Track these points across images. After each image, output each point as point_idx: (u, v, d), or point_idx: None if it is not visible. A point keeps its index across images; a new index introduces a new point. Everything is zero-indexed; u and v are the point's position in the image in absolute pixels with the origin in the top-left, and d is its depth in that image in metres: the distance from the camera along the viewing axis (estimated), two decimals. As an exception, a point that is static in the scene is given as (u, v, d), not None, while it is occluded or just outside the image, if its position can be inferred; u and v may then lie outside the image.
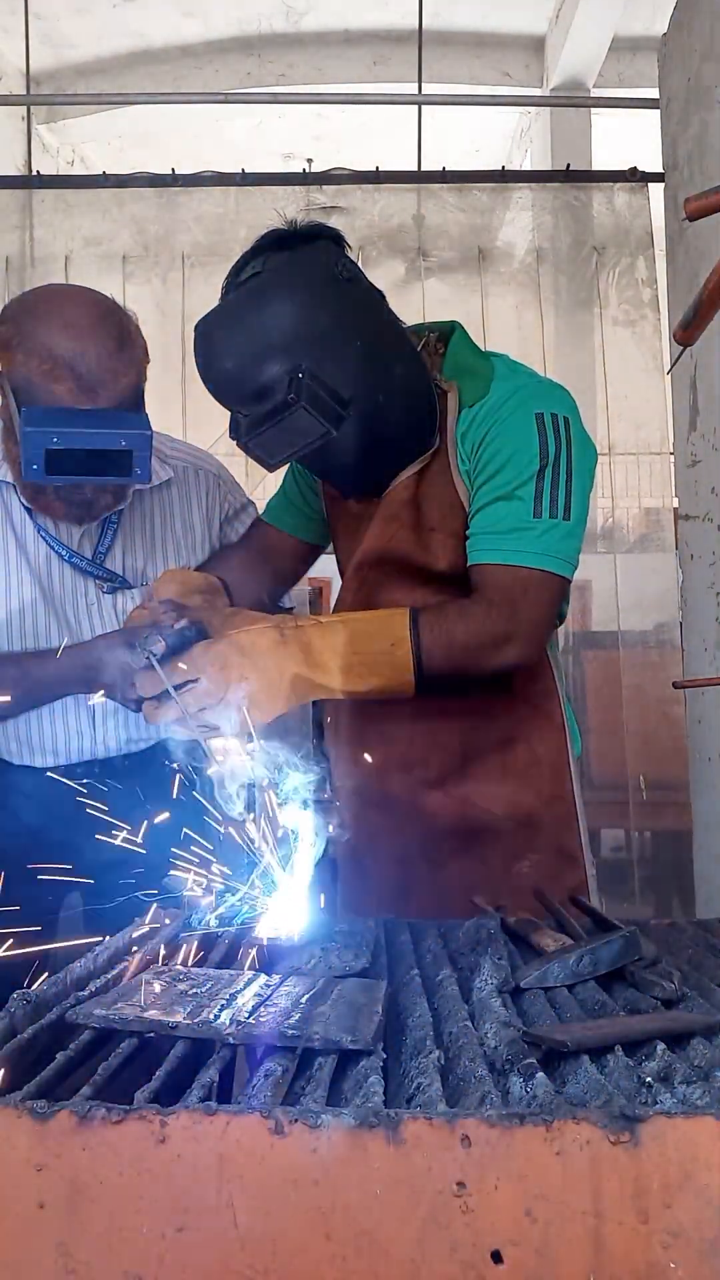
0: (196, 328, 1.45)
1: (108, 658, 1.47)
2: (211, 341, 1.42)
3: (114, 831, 1.60)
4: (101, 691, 1.54)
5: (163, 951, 1.11)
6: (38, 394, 1.45)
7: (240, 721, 1.38)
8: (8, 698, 1.62)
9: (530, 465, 1.44)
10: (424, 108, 3.87)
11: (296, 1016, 0.87)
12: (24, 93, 5.38)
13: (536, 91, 6.37)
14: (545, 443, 1.45)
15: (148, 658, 1.34)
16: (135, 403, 1.52)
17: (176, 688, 1.35)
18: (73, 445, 1.44)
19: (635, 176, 3.19)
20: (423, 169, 3.34)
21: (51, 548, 1.67)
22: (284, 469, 1.72)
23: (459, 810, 1.59)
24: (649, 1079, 0.78)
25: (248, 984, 0.96)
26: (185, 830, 1.57)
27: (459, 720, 1.59)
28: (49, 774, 1.72)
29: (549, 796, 1.61)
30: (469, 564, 1.49)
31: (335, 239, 1.49)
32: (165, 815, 1.52)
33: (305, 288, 1.39)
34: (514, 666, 1.49)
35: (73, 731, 1.70)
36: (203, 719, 1.38)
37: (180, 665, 1.37)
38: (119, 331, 1.50)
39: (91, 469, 1.48)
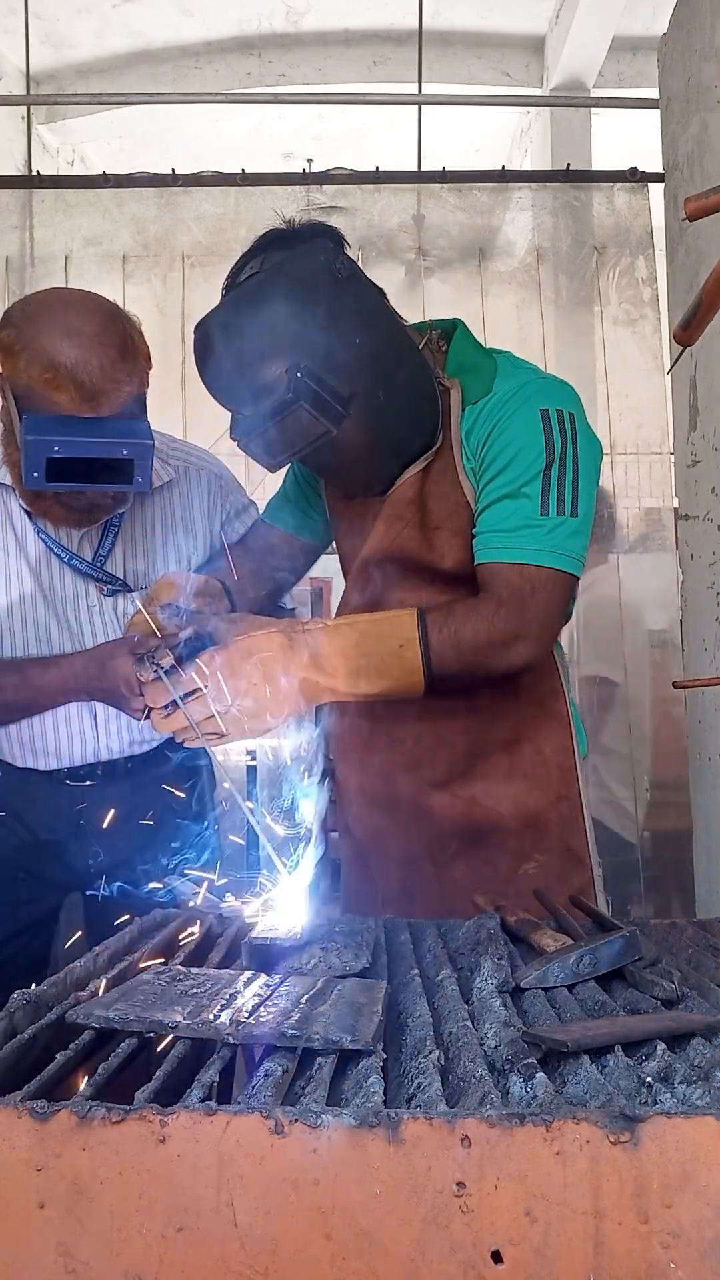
0: (196, 328, 1.45)
1: (111, 667, 1.46)
2: (210, 341, 1.42)
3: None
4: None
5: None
6: (39, 401, 1.45)
7: (248, 728, 1.38)
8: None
9: (536, 462, 1.44)
10: (424, 108, 3.87)
11: (296, 1016, 0.87)
12: (24, 93, 5.38)
13: (536, 91, 6.36)
14: (551, 439, 1.44)
15: (155, 670, 1.34)
16: (137, 411, 1.52)
17: (184, 697, 1.35)
18: (74, 454, 1.44)
19: (635, 176, 3.19)
20: (423, 169, 3.33)
21: (51, 550, 1.67)
22: (285, 468, 1.72)
23: (465, 810, 1.59)
24: (649, 1079, 0.78)
25: (248, 984, 0.96)
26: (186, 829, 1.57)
27: (465, 720, 1.58)
28: (53, 776, 1.72)
29: (555, 796, 1.60)
30: (476, 563, 1.49)
31: (334, 237, 1.48)
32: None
33: (303, 286, 1.39)
34: (524, 665, 1.48)
35: (76, 734, 1.70)
36: (210, 727, 1.38)
37: (187, 674, 1.36)
38: (121, 339, 1.49)
39: (92, 477, 1.48)
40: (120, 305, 1.58)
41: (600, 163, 5.62)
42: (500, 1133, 0.67)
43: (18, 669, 1.62)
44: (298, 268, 1.40)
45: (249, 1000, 0.91)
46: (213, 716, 1.37)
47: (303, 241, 1.44)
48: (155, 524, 1.76)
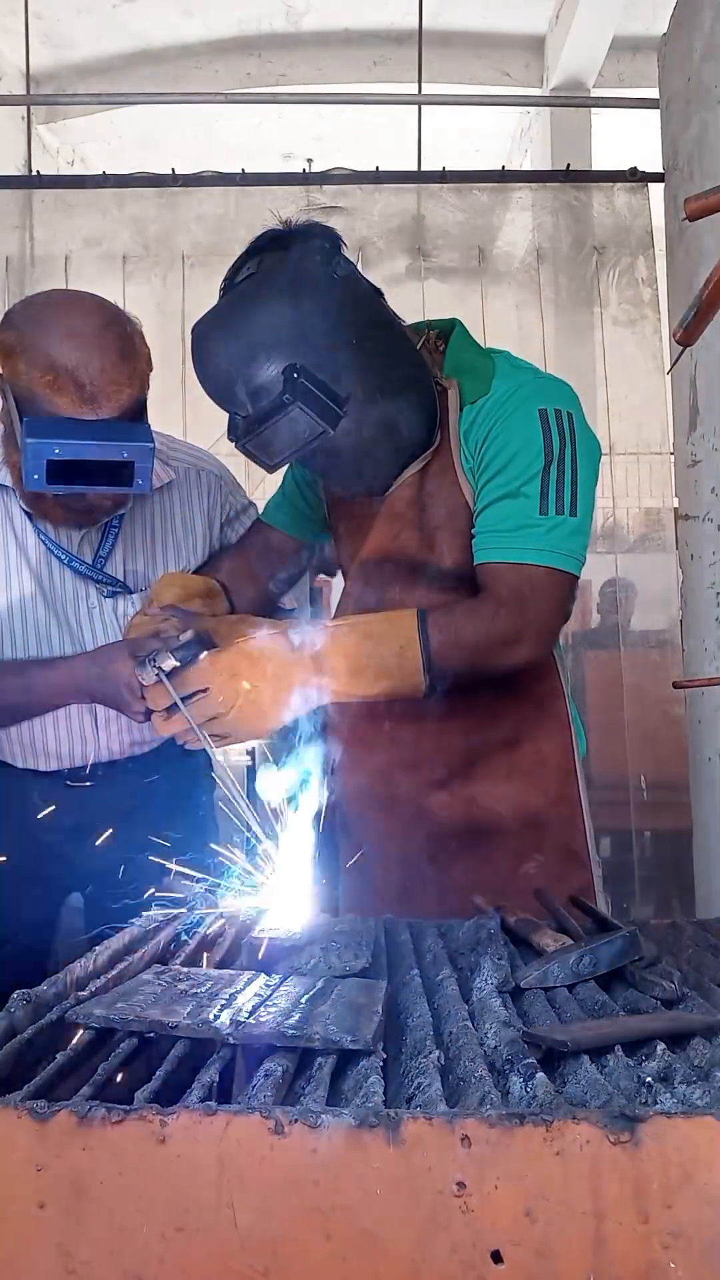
0: (193, 330, 1.45)
1: (112, 670, 1.46)
2: (207, 343, 1.42)
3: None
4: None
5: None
6: (40, 404, 1.45)
7: (249, 730, 1.38)
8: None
9: (535, 462, 1.44)
10: (424, 108, 3.87)
11: (296, 1016, 0.87)
12: (24, 93, 5.38)
13: (536, 91, 6.37)
14: (549, 439, 1.44)
15: (157, 673, 1.34)
16: (137, 413, 1.52)
17: (185, 699, 1.35)
18: (74, 456, 1.44)
19: (635, 176, 3.19)
20: (423, 169, 3.33)
21: (51, 552, 1.67)
22: (284, 469, 1.72)
23: (465, 811, 1.59)
24: (649, 1079, 0.78)
25: (248, 984, 0.96)
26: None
27: (464, 720, 1.58)
28: (53, 777, 1.72)
29: (555, 796, 1.61)
30: (476, 563, 1.49)
31: (330, 238, 1.48)
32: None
33: (298, 287, 1.39)
34: (524, 665, 1.48)
35: (76, 735, 1.70)
36: (212, 728, 1.38)
37: (189, 676, 1.36)
38: (122, 341, 1.49)
39: (92, 479, 1.48)
40: (120, 306, 1.58)
41: (600, 163, 5.62)
42: (500, 1133, 0.67)
43: (18, 671, 1.62)
44: (294, 269, 1.40)
45: (249, 1000, 0.91)
46: (214, 718, 1.37)
47: (299, 242, 1.44)
48: (155, 525, 1.76)
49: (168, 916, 1.28)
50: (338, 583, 1.73)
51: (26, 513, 1.66)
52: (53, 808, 1.72)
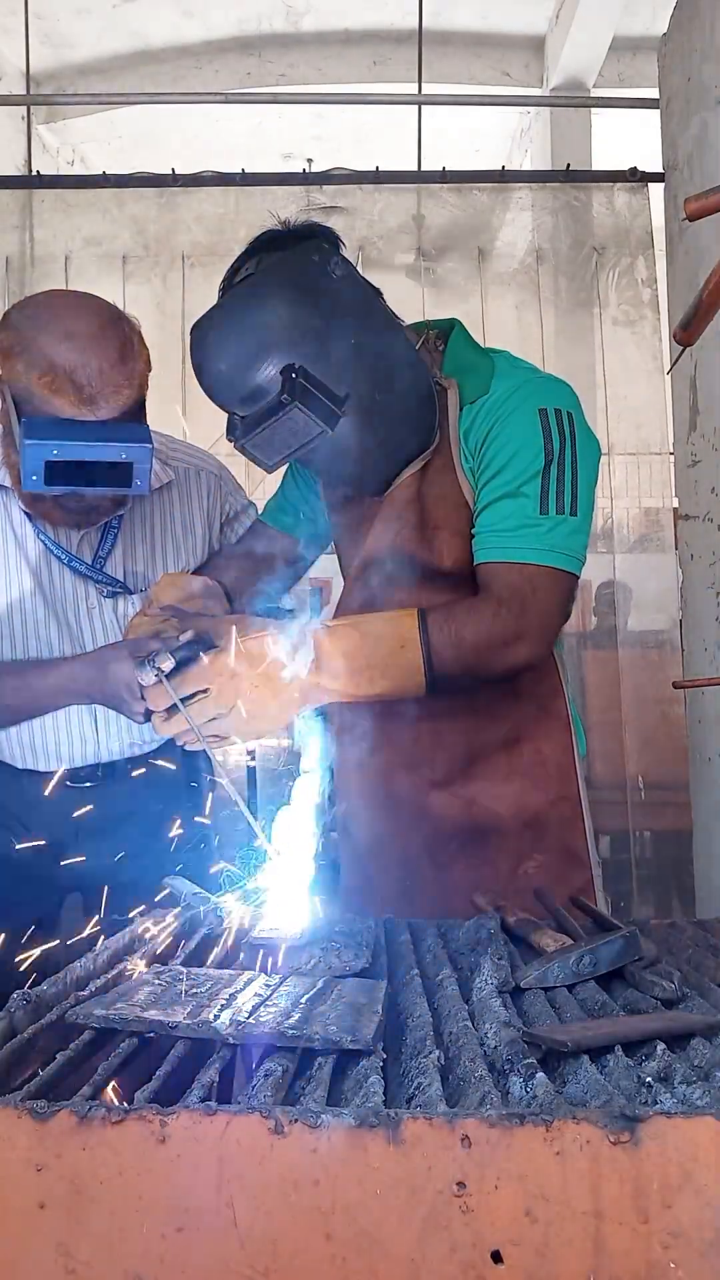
0: (192, 331, 1.45)
1: (112, 671, 1.46)
2: (206, 344, 1.43)
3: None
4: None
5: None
6: (38, 404, 1.45)
7: (249, 730, 1.38)
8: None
9: (535, 462, 1.44)
10: (424, 108, 3.87)
11: (296, 1016, 0.87)
12: (24, 93, 5.39)
13: (536, 91, 6.37)
14: (549, 438, 1.44)
15: (157, 674, 1.34)
16: (136, 414, 1.52)
17: (185, 700, 1.35)
18: (72, 457, 1.44)
19: (635, 176, 3.19)
20: (423, 169, 3.34)
21: (51, 552, 1.66)
22: (284, 469, 1.72)
23: (464, 810, 1.59)
24: (649, 1079, 0.78)
25: (248, 984, 0.97)
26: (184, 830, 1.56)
27: (464, 720, 1.58)
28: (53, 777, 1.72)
29: (555, 796, 1.60)
30: (476, 563, 1.49)
31: (329, 238, 1.48)
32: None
33: (296, 287, 1.39)
34: (525, 665, 1.48)
35: (76, 736, 1.70)
36: (212, 729, 1.38)
37: (189, 677, 1.36)
38: (121, 342, 1.49)
39: (91, 480, 1.48)
40: (120, 306, 1.58)
41: (600, 163, 5.63)
42: (500, 1133, 0.67)
43: (18, 672, 1.62)
44: (292, 269, 1.40)
45: (249, 1000, 0.91)
46: (213, 719, 1.37)
47: (298, 243, 1.44)
48: (155, 525, 1.76)
49: (167, 916, 1.28)
50: (337, 582, 1.73)
51: (26, 513, 1.66)
52: (51, 808, 1.72)
